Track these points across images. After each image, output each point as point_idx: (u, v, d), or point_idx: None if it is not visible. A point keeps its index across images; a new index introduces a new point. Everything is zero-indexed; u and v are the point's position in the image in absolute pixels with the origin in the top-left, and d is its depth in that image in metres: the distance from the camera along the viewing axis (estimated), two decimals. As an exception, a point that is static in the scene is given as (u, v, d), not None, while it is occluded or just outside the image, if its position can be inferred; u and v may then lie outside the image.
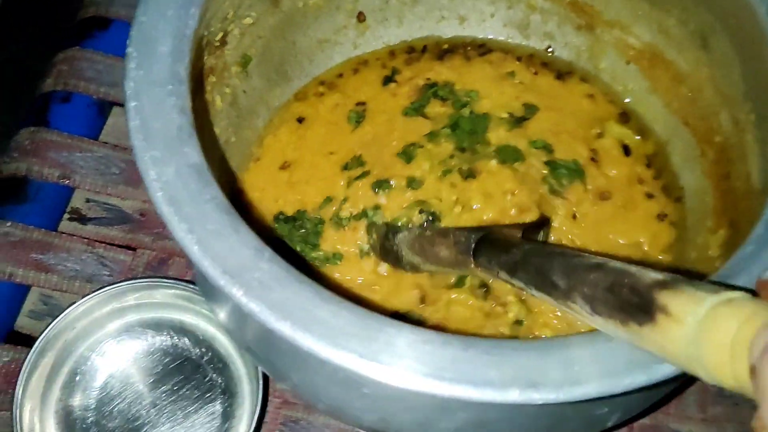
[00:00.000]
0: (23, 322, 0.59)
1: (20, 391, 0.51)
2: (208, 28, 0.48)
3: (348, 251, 0.54)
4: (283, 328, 0.33)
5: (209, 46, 0.51)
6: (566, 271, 0.37)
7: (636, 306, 0.30)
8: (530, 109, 0.60)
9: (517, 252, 0.42)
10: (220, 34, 0.52)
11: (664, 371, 0.32)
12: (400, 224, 0.54)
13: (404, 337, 0.33)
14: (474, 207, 0.54)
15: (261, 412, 0.51)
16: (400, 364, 0.33)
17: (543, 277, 0.38)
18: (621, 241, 0.55)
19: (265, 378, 0.52)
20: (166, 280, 0.55)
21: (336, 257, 0.54)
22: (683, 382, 0.53)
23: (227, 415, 0.54)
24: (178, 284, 0.55)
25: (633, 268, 0.32)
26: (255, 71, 0.58)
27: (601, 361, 0.33)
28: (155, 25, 0.42)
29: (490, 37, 0.66)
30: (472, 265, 0.46)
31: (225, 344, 0.56)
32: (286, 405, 0.57)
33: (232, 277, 0.34)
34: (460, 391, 0.32)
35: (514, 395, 0.32)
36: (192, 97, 0.41)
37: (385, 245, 0.52)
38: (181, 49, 0.42)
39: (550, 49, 0.65)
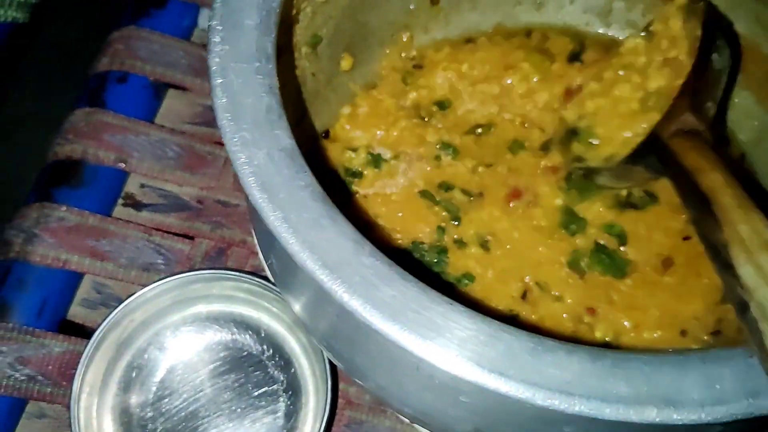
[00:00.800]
0: (76, 311, 0.56)
1: (78, 386, 0.48)
2: (291, 2, 0.45)
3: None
4: (390, 330, 0.30)
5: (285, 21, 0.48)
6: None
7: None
8: None
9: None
10: (293, 11, 0.49)
11: (816, 393, 0.29)
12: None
13: (524, 344, 0.30)
14: None
15: (331, 413, 0.48)
16: (521, 376, 0.29)
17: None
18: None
19: (333, 378, 0.50)
20: (229, 272, 0.52)
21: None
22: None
23: (290, 415, 0.51)
24: (242, 277, 0.52)
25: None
26: (324, 53, 0.55)
27: (744, 379, 0.29)
28: (241, -4, 0.39)
29: (567, 22, 0.62)
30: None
31: (289, 341, 0.53)
32: (350, 405, 0.54)
33: (332, 272, 0.31)
34: (591, 408, 0.29)
35: (651, 414, 0.29)
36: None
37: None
38: (268, 22, 0.39)
39: (631, 39, 0.61)
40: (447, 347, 0.30)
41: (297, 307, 0.42)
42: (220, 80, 0.36)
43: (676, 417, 0.29)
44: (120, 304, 0.50)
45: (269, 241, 0.40)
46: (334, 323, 0.39)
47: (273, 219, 0.33)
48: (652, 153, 0.44)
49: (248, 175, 0.34)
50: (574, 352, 0.30)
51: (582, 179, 0.51)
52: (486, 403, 0.34)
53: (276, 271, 0.44)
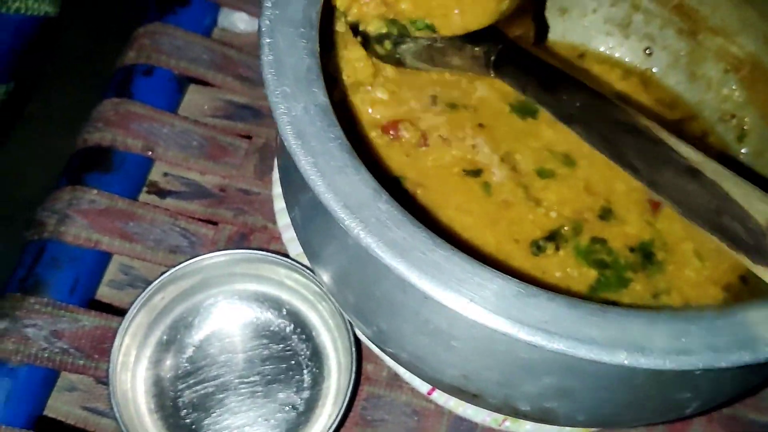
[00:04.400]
0: (103, 292, 0.60)
1: (116, 357, 0.52)
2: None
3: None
4: (399, 265, 0.34)
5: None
6: (648, 159, 0.34)
7: (748, 245, 0.30)
8: None
9: (569, 100, 0.38)
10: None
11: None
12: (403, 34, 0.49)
13: (512, 288, 0.34)
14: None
15: (354, 387, 0.52)
16: (508, 313, 0.33)
17: (613, 149, 0.35)
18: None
19: (357, 351, 0.53)
20: (252, 251, 0.56)
21: None
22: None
23: (314, 389, 0.55)
24: (266, 256, 0.56)
25: (737, 193, 0.31)
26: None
27: (707, 336, 0.33)
28: (292, -31, 0.43)
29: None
30: (492, 76, 0.44)
31: (311, 318, 0.57)
32: (368, 381, 0.58)
33: (352, 212, 0.36)
34: (568, 346, 0.33)
35: (621, 357, 0.32)
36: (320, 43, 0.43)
37: (384, 52, 0.49)
38: (315, -6, 0.43)
39: (648, 50, 0.65)
40: (447, 285, 0.34)
41: (321, 271, 0.46)
42: (269, 40, 0.41)
43: (644, 361, 0.32)
44: (150, 284, 0.54)
45: (297, 190, 0.44)
46: (352, 274, 0.43)
47: (304, 163, 0.37)
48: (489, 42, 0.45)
49: (286, 124, 0.38)
50: (554, 299, 0.34)
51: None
52: (474, 347, 0.39)
53: (299, 223, 0.48)
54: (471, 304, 0.34)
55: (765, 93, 0.59)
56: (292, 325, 0.57)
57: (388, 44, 0.49)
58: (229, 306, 0.58)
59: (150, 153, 0.65)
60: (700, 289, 0.51)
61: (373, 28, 0.51)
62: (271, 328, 0.57)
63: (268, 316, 0.58)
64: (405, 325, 0.42)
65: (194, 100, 0.69)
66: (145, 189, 0.64)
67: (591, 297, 0.53)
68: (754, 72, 0.60)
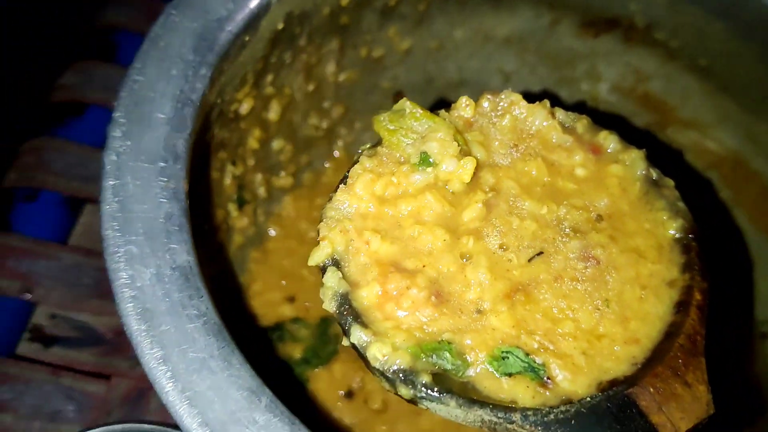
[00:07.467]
0: None
1: None
2: (222, 95, 0.40)
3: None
4: None
5: (222, 116, 0.43)
6: None
7: None
8: None
9: None
10: (236, 105, 0.44)
11: None
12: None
13: None
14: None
15: None
16: None
17: None
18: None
19: None
20: (145, 425, 0.45)
21: None
22: None
23: None
24: (156, 429, 0.45)
25: None
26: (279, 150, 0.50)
27: None
28: (153, 85, 0.34)
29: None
30: None
31: None
32: None
33: (213, 433, 0.25)
34: None
35: None
36: (190, 178, 0.33)
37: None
38: (183, 116, 0.33)
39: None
40: None
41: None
42: (113, 182, 0.31)
43: None
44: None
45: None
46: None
47: (149, 358, 0.26)
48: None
49: (127, 300, 0.27)
50: None
51: None
52: None
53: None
54: None
55: (752, 193, 0.50)
56: None
57: (405, 391, 0.29)
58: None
59: (29, 296, 0.54)
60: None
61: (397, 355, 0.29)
62: None
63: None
64: None
65: (91, 223, 0.58)
66: (26, 335, 0.52)
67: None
68: (737, 170, 0.51)
